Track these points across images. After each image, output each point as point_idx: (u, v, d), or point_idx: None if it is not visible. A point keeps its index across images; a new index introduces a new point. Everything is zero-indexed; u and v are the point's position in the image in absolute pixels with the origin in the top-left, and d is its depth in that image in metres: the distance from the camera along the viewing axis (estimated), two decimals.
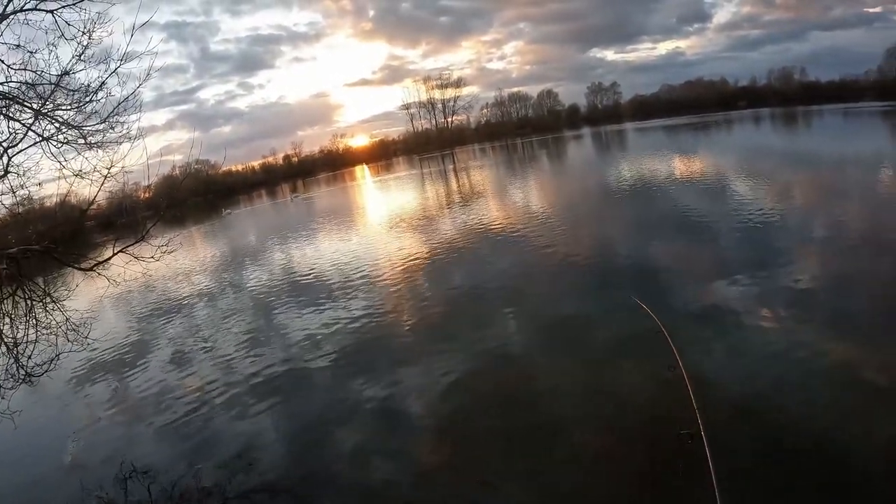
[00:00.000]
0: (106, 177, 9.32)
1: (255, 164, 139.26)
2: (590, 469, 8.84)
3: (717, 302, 14.41)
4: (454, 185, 56.10)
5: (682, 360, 9.98)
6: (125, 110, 9.26)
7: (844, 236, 18.34)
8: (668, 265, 18.08)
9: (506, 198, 40.73)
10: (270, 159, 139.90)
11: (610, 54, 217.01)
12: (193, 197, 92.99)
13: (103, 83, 8.76)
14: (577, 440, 9.60)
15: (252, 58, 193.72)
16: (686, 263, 17.89)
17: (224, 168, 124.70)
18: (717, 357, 11.60)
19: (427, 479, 9.23)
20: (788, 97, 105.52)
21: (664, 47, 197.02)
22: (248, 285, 25.44)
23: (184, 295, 25.91)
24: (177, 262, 33.77)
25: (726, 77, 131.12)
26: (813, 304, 13.55)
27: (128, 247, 9.84)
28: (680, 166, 41.98)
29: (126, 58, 8.63)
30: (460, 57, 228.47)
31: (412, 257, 24.57)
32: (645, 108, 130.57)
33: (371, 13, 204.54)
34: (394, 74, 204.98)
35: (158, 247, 10.11)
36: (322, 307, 19.35)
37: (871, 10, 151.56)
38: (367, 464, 9.91)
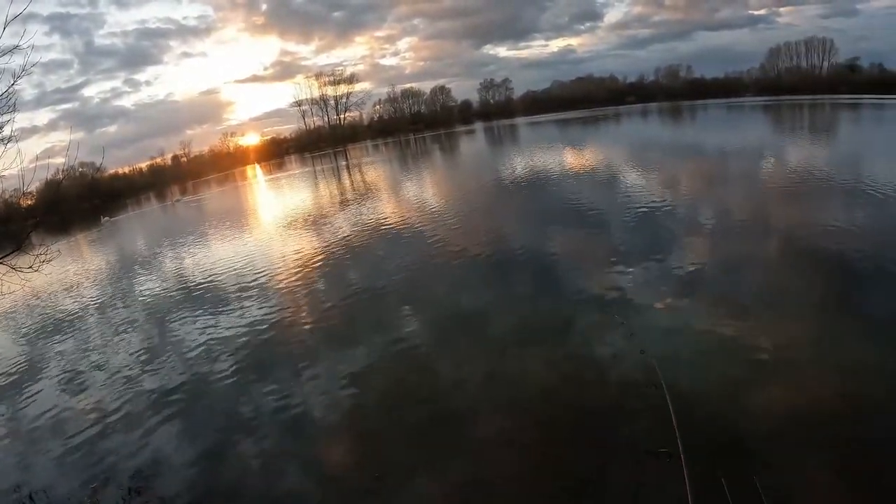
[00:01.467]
0: None
1: (143, 165, 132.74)
2: (494, 456, 9.20)
3: (610, 287, 15.38)
4: (347, 183, 56.04)
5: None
6: None
7: (727, 222, 20.01)
8: (560, 255, 19.09)
9: (399, 194, 41.30)
10: (159, 160, 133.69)
11: (503, 51, 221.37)
12: (79, 202, 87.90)
13: None
14: (479, 427, 10.04)
15: (139, 52, 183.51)
16: (576, 253, 18.94)
17: (111, 170, 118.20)
18: (610, 336, 12.51)
19: (333, 480, 9.42)
20: (675, 93, 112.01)
21: (556, 45, 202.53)
22: (140, 295, 24.54)
23: (72, 308, 24.63)
24: (62, 272, 32.30)
25: (616, 74, 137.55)
26: (700, 286, 14.75)
27: (5, 257, 9.24)
28: (569, 158, 44.34)
29: (1, 52, 8.08)
30: (354, 53, 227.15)
31: (307, 258, 24.57)
32: (536, 104, 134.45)
33: (263, 7, 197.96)
34: (286, 70, 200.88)
35: (37, 255, 9.91)
36: (218, 314, 19.06)
37: (755, 11, 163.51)
38: (272, 471, 9.94)
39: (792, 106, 72.24)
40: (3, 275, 9.61)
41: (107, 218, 64.76)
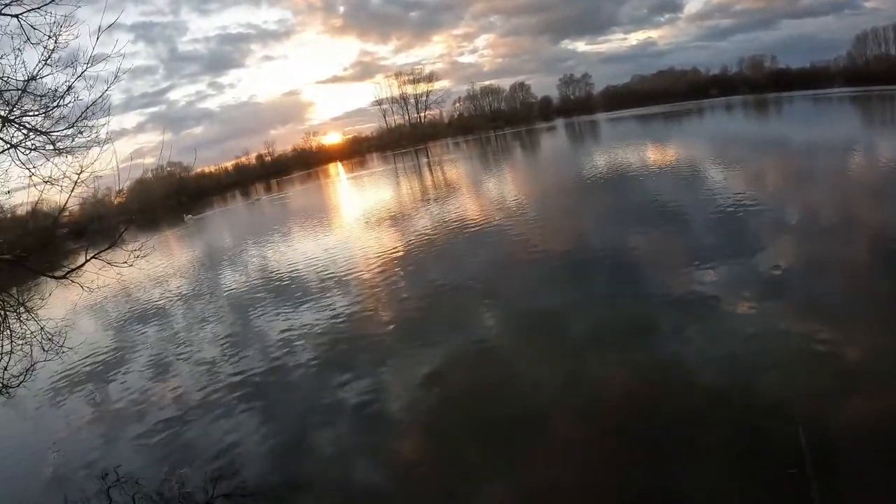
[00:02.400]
0: (76, 182, 9.06)
1: (228, 164, 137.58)
2: (568, 459, 8.93)
3: (694, 288, 14.59)
4: (428, 180, 56.08)
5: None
6: (94, 114, 9.04)
7: (817, 222, 18.65)
8: (643, 255, 18.21)
9: (479, 191, 40.89)
10: (243, 159, 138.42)
11: (581, 45, 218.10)
12: (166, 200, 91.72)
13: (71, 87, 8.56)
14: (557, 431, 9.69)
15: (222, 57, 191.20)
16: (661, 253, 18.04)
17: (197, 170, 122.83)
18: (695, 341, 11.80)
19: (407, 478, 9.26)
20: (759, 85, 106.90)
21: (635, 38, 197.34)
22: (225, 288, 25.17)
23: (159, 300, 25.56)
24: (152, 266, 33.28)
25: (698, 66, 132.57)
26: (787, 290, 13.72)
27: (100, 253, 9.72)
28: (652, 155, 42.44)
29: (93, 60, 8.45)
30: (432, 51, 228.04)
31: (388, 254, 24.47)
32: (617, 99, 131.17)
33: (341, 9, 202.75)
34: (365, 70, 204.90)
35: (131, 252, 10.02)
36: (299, 307, 19.20)
37: None
38: (349, 464, 9.91)
39: (883, 97, 67.35)
40: (100, 269, 9.93)
41: (190, 216, 66.66)
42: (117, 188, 10.65)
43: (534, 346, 13.20)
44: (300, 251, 29.68)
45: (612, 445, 8.92)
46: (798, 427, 8.34)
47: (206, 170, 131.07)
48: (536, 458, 9.09)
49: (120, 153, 9.50)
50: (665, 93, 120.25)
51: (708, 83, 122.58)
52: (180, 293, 26.21)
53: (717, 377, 10.30)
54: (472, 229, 26.50)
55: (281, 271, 25.58)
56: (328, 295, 19.96)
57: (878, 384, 9.42)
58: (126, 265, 9.91)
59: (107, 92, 9.05)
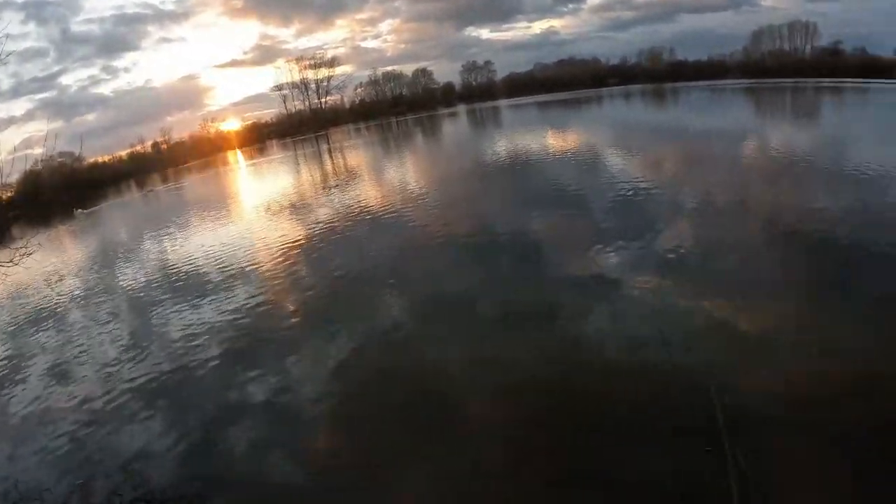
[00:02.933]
0: None
1: (123, 153, 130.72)
2: (483, 442, 9.21)
3: (596, 270, 15.47)
4: (329, 166, 55.73)
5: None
6: None
7: (712, 204, 20.12)
8: (545, 239, 19.11)
9: (381, 177, 41.18)
10: (139, 148, 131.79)
11: (485, 33, 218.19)
12: (58, 193, 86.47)
13: None
14: (470, 414, 10.06)
15: (117, 39, 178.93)
16: (563, 236, 18.96)
17: (91, 159, 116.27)
18: (599, 320, 12.62)
19: (321, 468, 9.44)
20: (657, 76, 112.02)
21: (539, 26, 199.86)
22: (122, 286, 24.25)
23: (53, 301, 24.21)
24: (42, 265, 31.62)
25: (598, 56, 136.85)
26: (684, 268, 14.87)
27: None
28: (552, 141, 44.19)
29: None
30: (335, 36, 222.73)
31: (290, 244, 24.43)
32: (519, 86, 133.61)
33: None
34: (266, 54, 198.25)
35: (16, 249, 9.84)
36: (201, 303, 18.91)
37: None
38: (262, 460, 9.93)
39: (775, 89, 72.54)
40: None
41: (80, 210, 61.85)
42: (2, 181, 10.24)
43: (440, 331, 13.61)
44: (199, 244, 28.96)
45: (526, 426, 9.33)
46: (710, 389, 8.88)
47: (101, 159, 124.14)
48: (451, 442, 9.39)
49: (7, 143, 9.15)
50: (566, 81, 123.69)
51: (608, 73, 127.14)
52: (75, 293, 24.98)
53: (622, 354, 11.00)
54: (374, 216, 26.84)
55: (180, 266, 24.98)
56: (230, 288, 19.80)
57: (777, 354, 10.29)
58: (10, 264, 9.75)
59: None
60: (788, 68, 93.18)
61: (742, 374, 9.77)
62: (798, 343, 10.67)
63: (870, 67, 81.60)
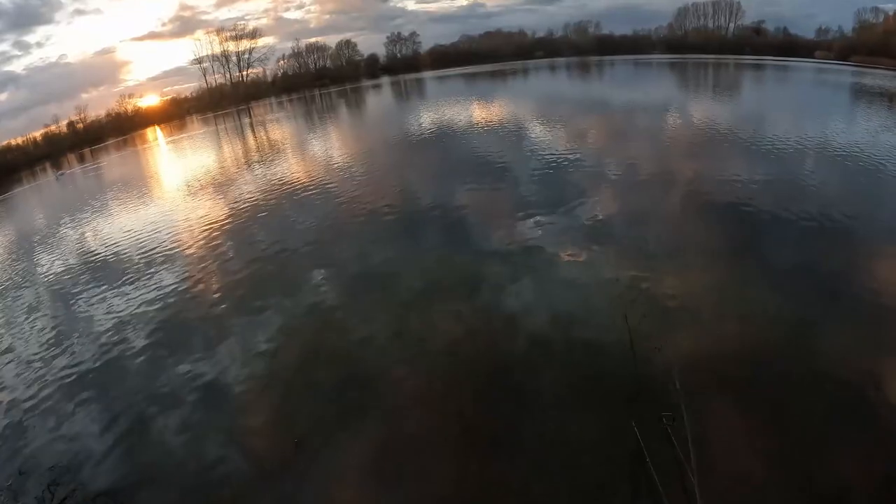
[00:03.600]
0: None
1: (37, 134, 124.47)
2: (413, 412, 9.86)
3: (518, 240, 16.38)
4: (251, 142, 55.40)
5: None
6: None
7: (632, 175, 21.37)
8: (471, 210, 20.02)
9: (304, 152, 41.43)
10: (53, 128, 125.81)
11: (410, 4, 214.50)
12: None
13: None
14: (400, 385, 10.69)
15: (28, 11, 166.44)
16: (488, 207, 19.92)
17: (2, 143, 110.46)
18: (520, 290, 13.45)
19: (253, 448, 9.82)
20: (583, 49, 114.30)
21: None
22: (42, 274, 23.58)
23: None
24: None
25: (524, 29, 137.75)
26: (605, 237, 15.80)
27: None
28: (476, 112, 45.35)
29: None
30: (256, 6, 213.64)
31: (212, 223, 24.49)
32: (444, 58, 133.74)
33: None
34: (185, 26, 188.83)
35: None
36: (126, 288, 18.88)
37: None
38: (193, 445, 10.19)
39: (697, 64, 75.75)
40: None
41: None
42: None
43: (367, 306, 14.14)
44: (119, 227, 28.32)
45: (456, 396, 9.88)
46: (633, 353, 9.76)
47: (13, 142, 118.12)
48: (381, 413, 9.97)
49: None
50: (492, 53, 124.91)
51: (534, 45, 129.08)
52: None
53: (545, 323, 11.72)
54: (299, 192, 27.33)
55: (100, 251, 24.40)
56: (154, 272, 19.78)
57: (696, 318, 11.26)
58: None
59: None
60: (712, 45, 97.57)
61: (663, 338, 10.52)
62: (715, 307, 11.70)
63: (790, 47, 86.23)
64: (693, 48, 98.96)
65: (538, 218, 17.83)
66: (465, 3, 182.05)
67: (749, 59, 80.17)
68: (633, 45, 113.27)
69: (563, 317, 11.92)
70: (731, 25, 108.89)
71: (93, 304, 18.30)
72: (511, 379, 10.22)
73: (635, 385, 9.52)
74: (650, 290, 12.63)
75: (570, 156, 25.06)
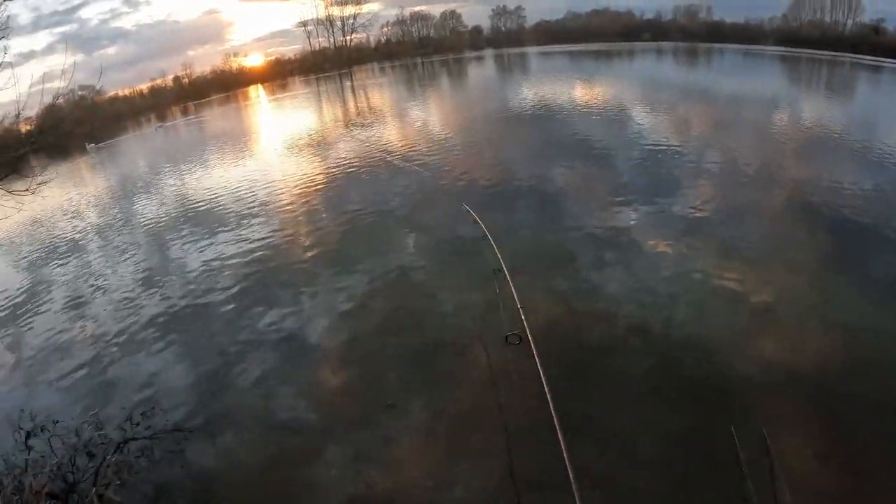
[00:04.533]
0: None
1: (144, 87, 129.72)
2: (488, 385, 9.43)
3: (614, 225, 15.40)
4: (351, 105, 55.07)
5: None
6: None
7: (733, 169, 19.66)
8: (567, 190, 18.92)
9: (403, 118, 40.64)
10: (159, 82, 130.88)
11: None
12: (78, 126, 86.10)
13: None
14: (476, 358, 10.17)
15: None
16: (584, 188, 18.76)
17: (111, 93, 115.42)
18: (615, 272, 12.72)
19: (330, 405, 9.63)
20: (692, 34, 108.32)
21: None
22: (141, 219, 24.40)
23: (70, 232, 24.58)
24: (60, 197, 31.83)
25: (633, 10, 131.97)
26: (701, 231, 14.74)
27: None
28: (579, 92, 42.93)
29: None
30: None
31: (309, 181, 24.43)
32: (549, 34, 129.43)
33: None
34: None
35: (32, 179, 9.74)
36: (218, 237, 19.08)
37: None
38: (270, 394, 10.16)
39: (811, 60, 69.86)
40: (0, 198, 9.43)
41: (92, 145, 60.56)
42: (19, 113, 9.87)
43: (457, 274, 13.70)
44: (217, 178, 29.01)
45: (548, 374, 9.08)
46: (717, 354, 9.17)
47: (121, 93, 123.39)
48: (468, 384, 9.55)
49: (27, 76, 9.10)
50: (598, 32, 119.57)
51: (641, 27, 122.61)
52: (92, 225, 25.31)
53: (641, 310, 10.99)
54: (395, 157, 26.60)
55: (197, 200, 25.00)
56: (247, 225, 19.91)
57: (788, 323, 10.36)
58: (27, 192, 9.65)
59: (9, 6, 8.60)
60: (827, 41, 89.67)
61: (748, 342, 9.82)
62: (807, 315, 10.69)
63: None
64: (807, 42, 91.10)
65: (634, 205, 16.83)
66: None
67: (867, 59, 73.08)
68: (744, 34, 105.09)
69: (659, 307, 11.25)
70: (849, 21, 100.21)
71: (186, 251, 18.82)
72: (606, 363, 9.70)
73: (729, 387, 8.83)
74: (740, 289, 11.79)
75: (671, 145, 23.29)
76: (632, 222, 15.58)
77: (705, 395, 8.64)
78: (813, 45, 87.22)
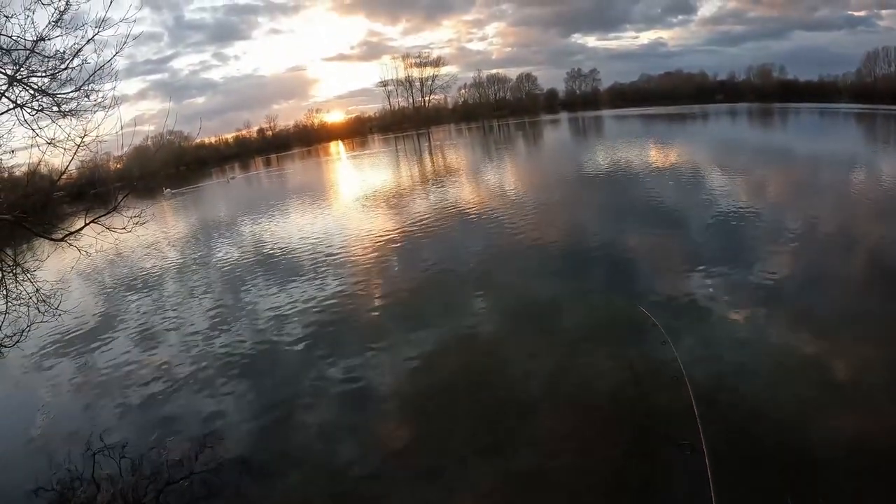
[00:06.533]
0: (79, 146, 9.11)
1: (229, 136, 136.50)
2: (553, 447, 9.05)
3: (686, 291, 14.69)
4: (428, 164, 56.05)
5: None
6: (100, 78, 9.03)
7: (816, 234, 18.64)
8: (638, 255, 18.29)
9: (479, 179, 40.86)
10: (244, 132, 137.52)
11: (591, 41, 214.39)
12: (165, 168, 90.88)
13: (79, 50, 8.54)
14: (542, 421, 9.81)
15: (228, 28, 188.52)
16: (658, 254, 18.08)
17: (197, 140, 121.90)
18: (685, 340, 11.83)
19: (392, 460, 9.35)
20: (766, 94, 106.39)
21: (646, 37, 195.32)
22: (218, 261, 25.18)
23: (153, 268, 25.57)
24: (145, 235, 33.12)
25: (705, 70, 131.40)
26: (779, 299, 13.80)
27: (99, 217, 9.67)
28: (655, 156, 42.30)
29: (102, 25, 8.45)
30: (440, 36, 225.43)
31: (383, 237, 24.49)
32: (623, 97, 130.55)
33: None
34: (372, 51, 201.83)
35: (130, 218, 10.01)
36: (292, 285, 19.24)
37: (855, 13, 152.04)
38: (334, 441, 10.02)
39: (888, 116, 67.29)
40: (98, 234, 9.85)
41: (168, 190, 63.86)
42: (118, 153, 10.42)
43: (522, 338, 13.22)
44: (294, 229, 29.67)
45: (611, 442, 8.94)
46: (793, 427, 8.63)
47: (206, 140, 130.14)
48: (521, 445, 9.18)
49: (121, 119, 9.51)
50: (671, 94, 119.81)
51: (714, 88, 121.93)
52: (173, 263, 26.21)
53: (710, 381, 10.28)
54: (469, 217, 26.53)
55: (273, 249, 25.51)
56: (320, 275, 20.01)
57: (864, 399, 9.49)
58: (124, 230, 9.89)
59: (114, 57, 9.00)
60: None
61: (828, 418, 9.13)
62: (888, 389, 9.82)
63: None
64: (883, 97, 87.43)
65: (707, 271, 16.09)
66: (646, 41, 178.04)
67: None
68: (818, 92, 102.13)
69: (728, 378, 10.57)
70: None
71: (259, 296, 18.91)
72: (670, 434, 8.91)
73: (790, 459, 8.22)
74: (818, 362, 10.97)
75: (746, 208, 22.25)
76: (701, 289, 14.95)
77: (767, 471, 8.09)
78: (889, 99, 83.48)
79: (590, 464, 8.62)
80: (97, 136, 9.36)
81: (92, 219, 9.60)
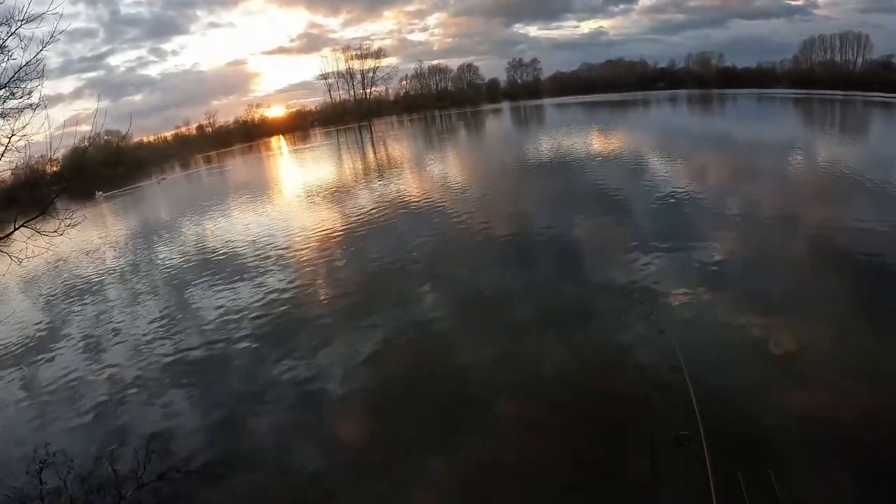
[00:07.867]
0: (6, 147, 8.87)
1: (168, 134, 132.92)
2: (506, 437, 9.20)
3: (631, 275, 15.09)
4: (371, 157, 55.86)
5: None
6: (27, 75, 8.80)
7: (753, 216, 19.35)
8: (582, 240, 18.82)
9: (422, 170, 41.11)
10: (184, 129, 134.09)
11: (533, 30, 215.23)
12: (105, 170, 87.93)
13: (3, 45, 8.36)
14: (494, 409, 9.99)
15: (165, 22, 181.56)
16: (601, 239, 18.56)
17: (136, 139, 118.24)
18: (632, 322, 12.34)
19: (345, 454, 9.45)
20: (705, 81, 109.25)
21: (588, 26, 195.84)
22: (160, 262, 24.76)
23: (93, 273, 24.94)
24: (83, 239, 32.18)
25: (646, 59, 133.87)
26: (723, 280, 14.35)
27: (30, 220, 9.49)
28: (595, 142, 43.34)
29: (28, 18, 8.25)
30: (382, 27, 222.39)
31: (328, 230, 24.51)
32: (564, 86, 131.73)
33: None
34: (313, 43, 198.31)
35: (62, 220, 9.93)
36: (237, 284, 19.13)
37: (793, 2, 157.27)
38: (286, 441, 10.01)
39: (823, 101, 70.21)
40: (29, 238, 9.83)
41: (100, 193, 61.57)
42: (50, 155, 10.17)
43: (472, 326, 13.46)
44: (236, 227, 29.39)
45: (547, 423, 9.20)
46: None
47: (146, 139, 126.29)
48: (474, 433, 9.34)
49: (55, 119, 9.34)
50: (612, 82, 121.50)
51: (655, 76, 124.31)
52: (112, 267, 25.67)
53: (659, 361, 10.44)
54: (413, 208, 26.76)
55: (215, 248, 25.22)
56: (264, 273, 19.94)
57: (806, 375, 9.94)
58: (56, 234, 9.82)
59: (42, 52, 8.79)
60: (838, 80, 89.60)
61: (775, 395, 9.45)
62: (834, 366, 10.25)
63: None
64: (819, 83, 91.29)
65: (650, 254, 16.48)
66: (587, 30, 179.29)
67: (878, 96, 72.60)
68: (756, 78, 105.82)
69: (676, 357, 10.35)
70: (859, 60, 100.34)
71: (203, 295, 18.83)
72: (623, 415, 9.32)
73: (742, 432, 8.55)
74: (763, 340, 11.19)
75: (688, 192, 23.12)
76: (647, 272, 15.33)
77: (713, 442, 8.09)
78: (824, 85, 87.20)
79: (547, 450, 8.72)
80: (25, 136, 9.14)
81: (22, 222, 9.44)
